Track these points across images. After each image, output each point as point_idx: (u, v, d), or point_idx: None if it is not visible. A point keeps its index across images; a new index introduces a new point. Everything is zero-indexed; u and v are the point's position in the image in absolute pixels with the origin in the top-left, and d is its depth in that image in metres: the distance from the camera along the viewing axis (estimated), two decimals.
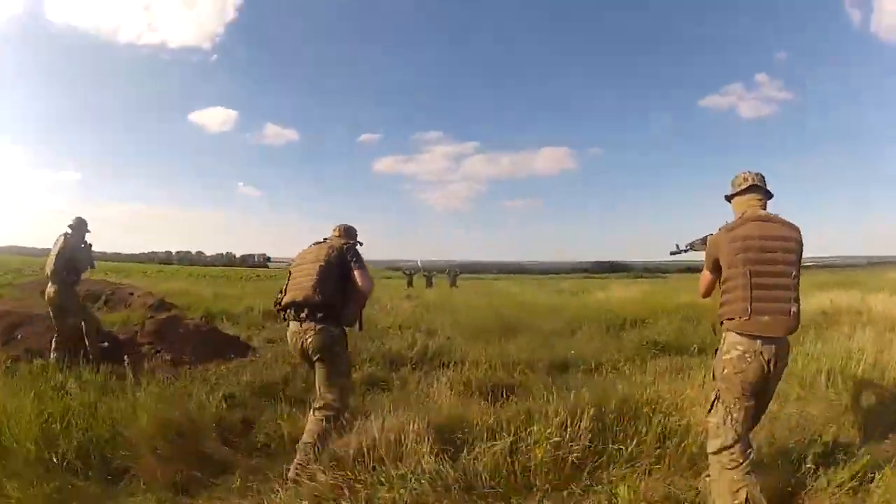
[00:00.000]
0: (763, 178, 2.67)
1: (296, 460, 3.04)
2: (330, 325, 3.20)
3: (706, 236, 2.90)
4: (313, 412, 3.23)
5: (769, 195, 2.68)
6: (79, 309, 5.66)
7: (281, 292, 3.36)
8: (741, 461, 2.45)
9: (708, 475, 2.66)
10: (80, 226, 5.66)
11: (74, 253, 5.54)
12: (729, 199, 2.76)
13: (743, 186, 2.67)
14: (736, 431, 2.49)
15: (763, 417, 2.82)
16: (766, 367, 2.45)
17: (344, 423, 3.18)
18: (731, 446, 2.49)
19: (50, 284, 5.47)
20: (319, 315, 3.16)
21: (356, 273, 3.24)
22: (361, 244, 3.51)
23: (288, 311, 3.27)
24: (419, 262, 28.80)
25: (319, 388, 3.27)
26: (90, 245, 5.76)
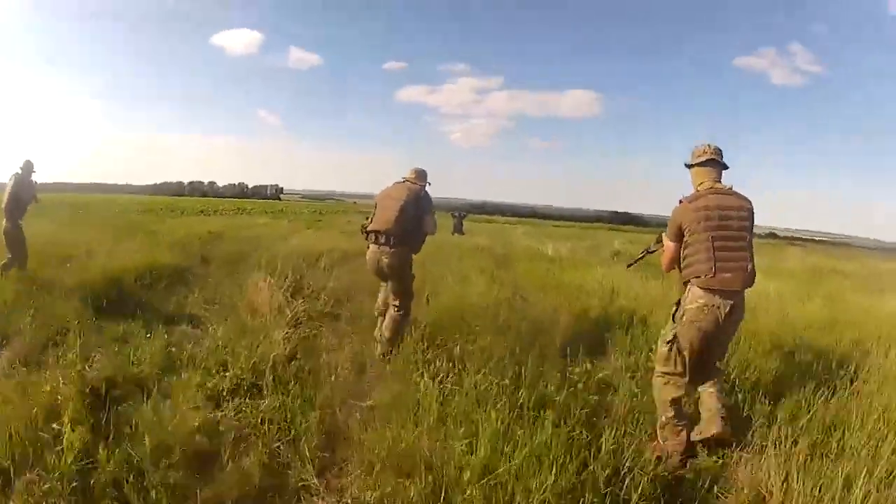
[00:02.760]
0: (720, 152, 2.98)
1: (379, 349, 4.22)
2: (401, 250, 4.18)
3: (660, 234, 3.26)
4: (389, 312, 4.32)
5: (724, 167, 3.00)
6: (22, 239, 6.62)
7: (367, 219, 4.35)
8: (679, 384, 2.94)
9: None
10: (27, 167, 6.65)
11: (20, 191, 6.50)
12: (689, 167, 3.06)
13: (702, 159, 2.99)
14: (678, 372, 2.94)
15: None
16: (720, 318, 2.81)
17: (409, 320, 4.34)
18: (671, 378, 2.96)
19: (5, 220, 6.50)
20: (394, 242, 4.13)
21: (426, 218, 4.26)
22: (430, 184, 4.44)
23: (370, 235, 4.23)
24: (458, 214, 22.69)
25: (390, 296, 4.35)
26: (35, 183, 6.72)
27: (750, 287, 2.89)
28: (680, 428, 2.90)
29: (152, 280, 6.71)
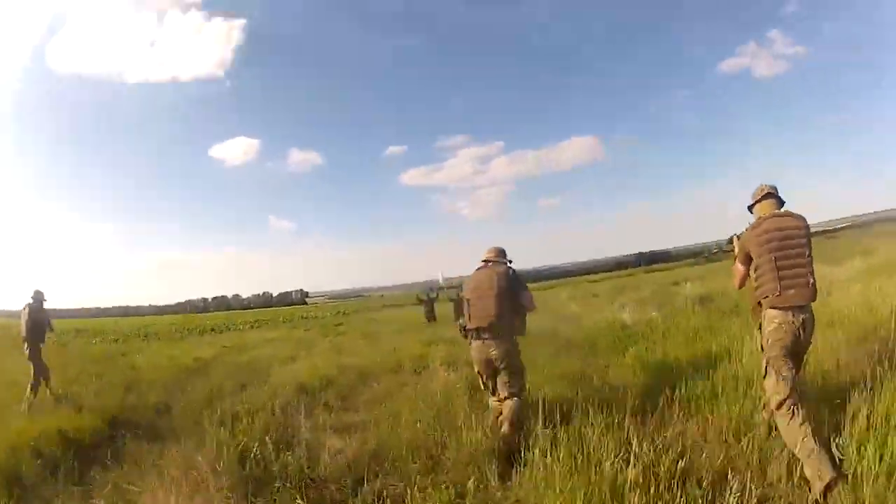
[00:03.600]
0: (775, 188, 3.38)
1: (502, 444, 3.75)
2: (508, 339, 4.08)
3: (731, 237, 3.63)
4: (507, 403, 4.04)
5: (782, 202, 3.33)
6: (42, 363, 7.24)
7: (460, 317, 4.32)
8: (798, 410, 2.96)
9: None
10: (37, 297, 7.38)
11: (35, 319, 7.26)
12: (750, 208, 3.44)
13: (760, 196, 3.38)
14: (787, 385, 3.04)
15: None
16: (798, 331, 3.08)
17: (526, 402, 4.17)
18: (786, 399, 3.01)
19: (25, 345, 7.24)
20: (499, 332, 4.02)
21: (523, 296, 4.12)
22: (511, 261, 4.31)
23: (472, 332, 4.10)
24: (441, 278, 18.98)
25: (503, 386, 4.11)
26: (45, 314, 7.43)
27: (814, 300, 3.09)
28: (820, 452, 2.81)
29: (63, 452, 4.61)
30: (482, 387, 4.40)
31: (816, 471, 2.75)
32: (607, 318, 10.06)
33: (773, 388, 3.09)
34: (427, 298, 17.90)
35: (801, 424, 2.89)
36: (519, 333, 4.18)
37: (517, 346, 4.15)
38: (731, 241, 3.61)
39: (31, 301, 7.35)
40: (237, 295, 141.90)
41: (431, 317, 17.15)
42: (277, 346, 14.19)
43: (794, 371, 3.09)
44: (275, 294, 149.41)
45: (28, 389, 6.88)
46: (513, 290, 4.04)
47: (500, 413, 4.07)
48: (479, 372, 4.27)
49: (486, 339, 4.02)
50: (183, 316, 58.05)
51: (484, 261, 4.30)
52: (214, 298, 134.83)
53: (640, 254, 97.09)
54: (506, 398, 4.07)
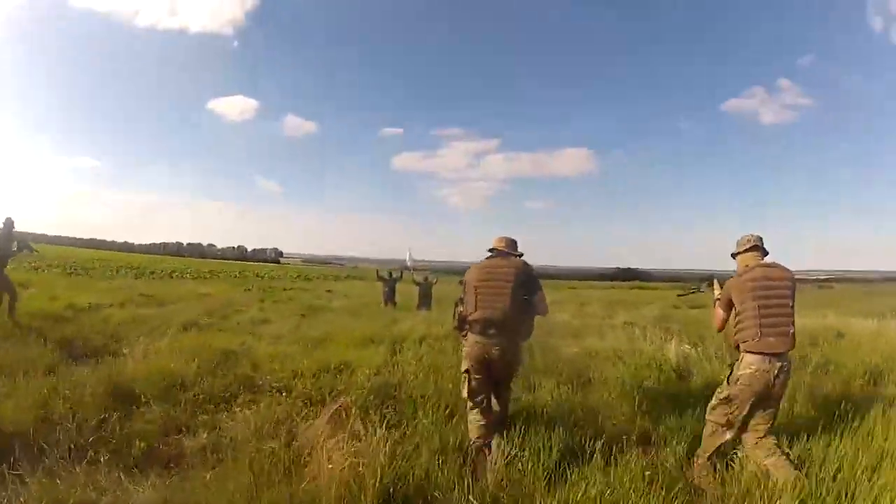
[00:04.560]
0: (761, 239, 3.40)
1: (490, 456, 3.39)
2: (514, 341, 3.63)
3: (711, 280, 3.74)
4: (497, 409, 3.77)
5: (766, 253, 3.39)
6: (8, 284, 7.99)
7: (458, 305, 3.71)
8: (725, 435, 3.30)
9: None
10: (7, 224, 7.95)
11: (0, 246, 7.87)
12: (734, 255, 3.49)
13: (746, 247, 3.42)
14: (727, 421, 3.28)
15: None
16: (771, 381, 3.14)
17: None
18: (722, 426, 3.30)
19: None
20: (506, 332, 3.54)
21: (537, 297, 3.63)
22: (522, 255, 3.84)
23: (474, 325, 3.56)
24: (409, 258, 16.61)
25: (498, 395, 3.77)
26: (13, 238, 8.06)
27: (792, 349, 3.19)
28: (713, 471, 3.25)
29: None
30: (465, 392, 3.71)
31: None
32: (636, 349, 7.01)
33: (713, 412, 3.36)
34: (389, 277, 15.81)
35: (718, 442, 3.32)
36: (524, 338, 3.80)
37: (521, 353, 3.84)
38: (710, 283, 3.76)
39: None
40: (212, 245, 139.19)
41: (391, 299, 15.07)
42: (190, 306, 12.16)
43: (744, 418, 3.24)
44: (249, 249, 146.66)
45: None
46: (527, 287, 3.62)
47: (481, 435, 3.60)
48: (468, 372, 3.66)
49: (491, 334, 3.56)
50: (140, 256, 55.55)
51: (493, 250, 3.84)
52: (189, 244, 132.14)
53: (619, 269, 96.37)
54: (498, 414, 3.76)
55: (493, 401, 3.75)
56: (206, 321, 9.63)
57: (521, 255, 3.83)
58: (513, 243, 3.87)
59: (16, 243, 8.12)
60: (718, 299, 3.49)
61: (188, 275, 28.59)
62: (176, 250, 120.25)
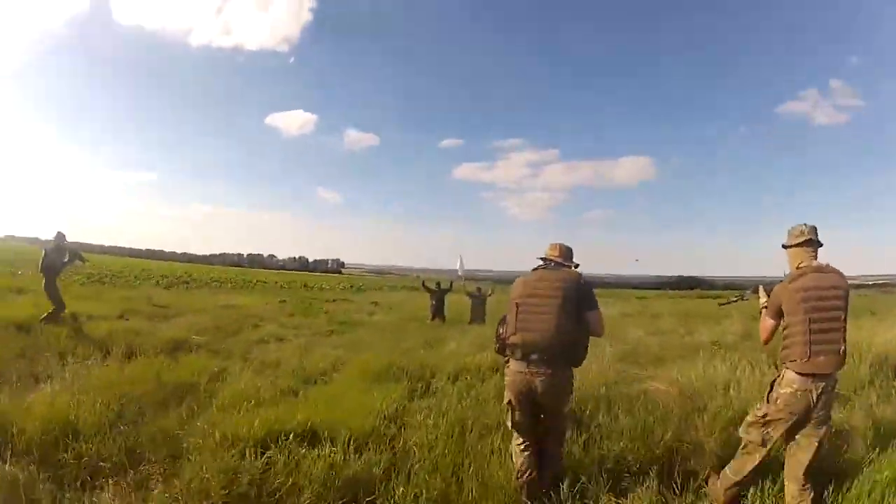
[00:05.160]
0: (816, 230, 3.00)
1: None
2: (563, 369, 3.04)
3: (757, 286, 3.35)
4: (548, 451, 3.11)
5: (820, 244, 3.00)
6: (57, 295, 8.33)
7: (501, 325, 3.17)
8: (758, 455, 2.96)
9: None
10: (58, 238, 8.54)
11: (51, 257, 8.28)
12: (786, 247, 3.08)
13: (800, 240, 3.01)
14: (762, 440, 2.95)
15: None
16: (813, 402, 2.83)
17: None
18: (755, 444, 2.97)
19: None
20: (553, 358, 2.96)
21: (591, 315, 3.03)
22: (577, 266, 3.29)
23: (516, 349, 3.00)
24: (461, 267, 15.20)
25: (543, 433, 3.11)
26: (64, 248, 8.58)
27: (841, 368, 2.91)
28: (738, 491, 2.98)
29: None
30: (509, 423, 3.13)
31: None
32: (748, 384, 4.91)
33: (748, 429, 3.05)
34: (437, 288, 13.83)
35: (749, 464, 2.99)
36: (575, 364, 3.09)
37: (572, 382, 3.09)
38: (755, 290, 3.38)
39: (51, 240, 8.53)
40: (273, 255, 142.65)
41: (438, 313, 13.15)
42: (200, 319, 10.62)
43: (783, 433, 2.95)
44: (311, 260, 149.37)
45: (46, 315, 7.85)
46: (581, 304, 2.98)
47: (528, 466, 3.02)
48: (510, 403, 3.06)
49: (534, 361, 2.93)
50: (189, 265, 56.60)
51: (544, 259, 3.20)
52: (249, 255, 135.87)
53: (681, 277, 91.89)
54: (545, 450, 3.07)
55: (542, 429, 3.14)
56: (199, 339, 7.96)
57: (577, 265, 3.29)
58: (568, 252, 3.29)
59: (67, 254, 8.55)
60: (766, 307, 3.11)
61: (229, 284, 27.66)
62: (236, 261, 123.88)
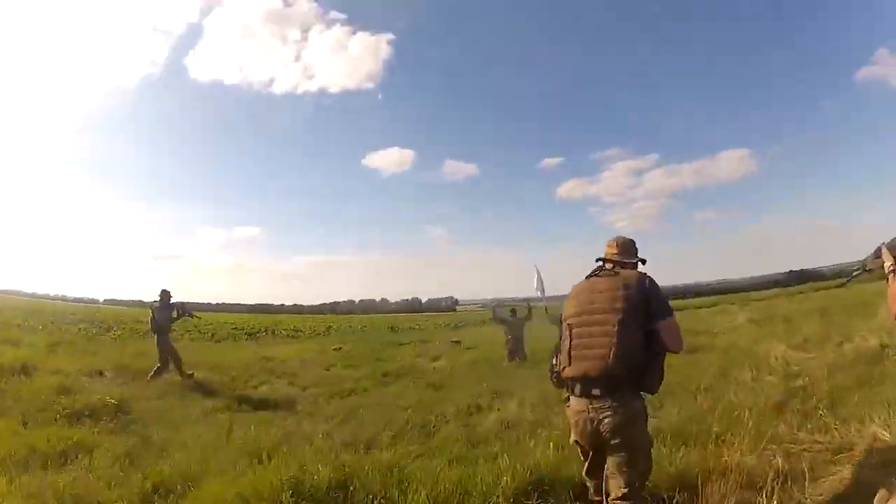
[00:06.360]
0: None
1: None
2: (632, 398, 2.41)
3: (878, 248, 2.47)
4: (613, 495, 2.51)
5: None
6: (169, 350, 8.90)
7: (557, 354, 2.58)
8: None
9: None
10: (164, 297, 8.99)
11: (159, 316, 8.80)
12: None
13: None
14: None
15: None
16: None
17: None
18: None
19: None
20: (619, 388, 2.37)
21: (664, 326, 2.38)
22: (645, 262, 2.73)
23: (570, 384, 2.49)
24: (538, 282, 9.57)
25: (611, 476, 2.48)
26: (172, 307, 9.09)
27: None
28: None
29: None
30: (582, 459, 2.66)
31: None
32: None
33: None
34: (511, 318, 10.91)
35: None
36: (649, 390, 2.45)
37: (645, 412, 2.46)
38: (877, 253, 2.44)
39: (157, 300, 8.98)
40: (384, 299, 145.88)
41: (516, 351, 10.24)
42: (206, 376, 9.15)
43: None
44: (423, 300, 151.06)
45: (152, 371, 8.54)
46: (648, 311, 2.37)
47: None
48: (577, 443, 2.60)
49: (597, 396, 2.38)
50: (283, 316, 57.89)
51: (600, 261, 2.69)
52: (361, 301, 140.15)
53: (792, 272, 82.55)
54: (617, 499, 2.46)
55: (613, 468, 2.48)
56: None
57: (640, 262, 2.68)
58: (629, 246, 2.70)
59: (175, 311, 9.08)
60: (894, 270, 2.25)
61: (302, 333, 26.93)
62: (348, 309, 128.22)
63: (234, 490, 3.16)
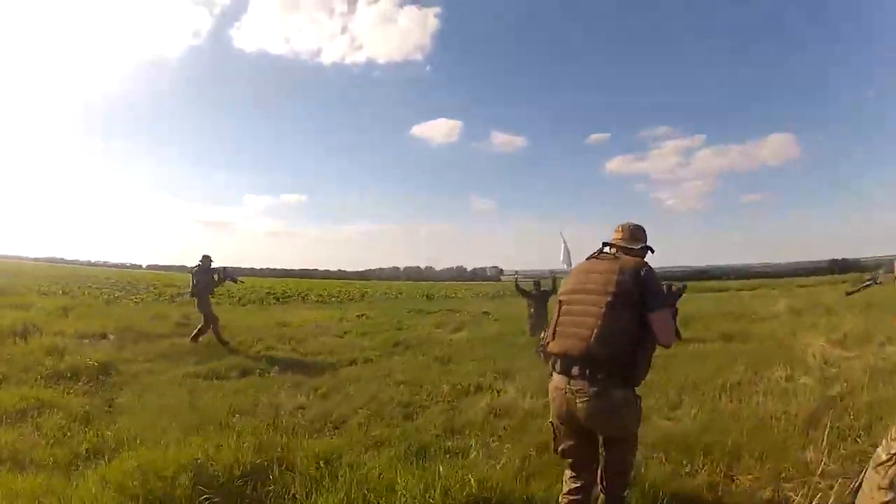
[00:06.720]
0: None
1: None
2: (613, 387, 2.31)
3: (892, 262, 2.67)
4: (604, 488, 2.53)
5: None
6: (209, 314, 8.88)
7: (547, 328, 2.56)
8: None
9: None
10: (204, 262, 9.01)
11: (200, 279, 8.87)
12: None
13: None
14: None
15: None
16: None
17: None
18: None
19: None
20: (598, 371, 2.29)
21: (654, 318, 2.29)
22: (653, 251, 2.65)
23: (553, 359, 2.44)
24: (564, 252, 7.43)
25: (586, 468, 2.48)
26: (213, 272, 9.09)
27: None
28: None
29: None
30: (553, 447, 2.54)
31: None
32: None
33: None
34: (536, 290, 10.28)
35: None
36: (633, 382, 2.35)
37: (635, 404, 2.38)
38: (890, 269, 2.62)
39: (198, 264, 8.94)
40: (430, 267, 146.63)
41: (539, 325, 9.61)
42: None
43: None
44: (469, 269, 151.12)
45: (193, 332, 8.70)
46: (640, 300, 2.30)
47: (573, 498, 2.45)
48: (552, 424, 2.50)
49: (575, 376, 2.30)
50: (341, 281, 58.89)
51: (606, 244, 2.62)
52: (406, 268, 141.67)
53: (834, 260, 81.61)
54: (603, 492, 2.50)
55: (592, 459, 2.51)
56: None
57: (646, 249, 2.62)
58: (636, 233, 2.65)
59: (216, 276, 9.09)
60: None
61: (335, 298, 27.05)
62: (393, 275, 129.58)
63: (136, 462, 2.85)
